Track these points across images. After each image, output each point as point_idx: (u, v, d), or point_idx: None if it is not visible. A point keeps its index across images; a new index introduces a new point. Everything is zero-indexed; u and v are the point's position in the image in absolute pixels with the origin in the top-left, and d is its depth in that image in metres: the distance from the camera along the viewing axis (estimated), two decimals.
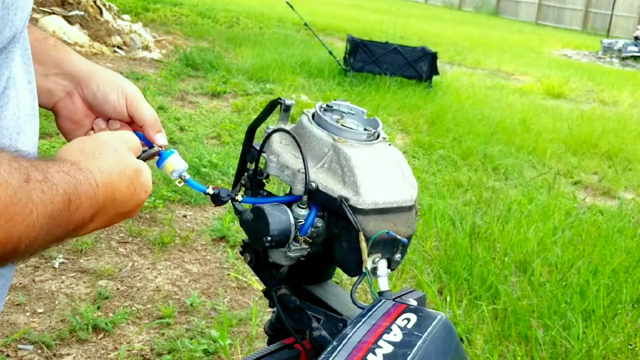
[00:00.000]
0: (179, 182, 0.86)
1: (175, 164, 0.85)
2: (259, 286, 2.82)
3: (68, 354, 2.25)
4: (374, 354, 0.71)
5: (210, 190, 0.88)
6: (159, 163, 0.86)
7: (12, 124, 0.70)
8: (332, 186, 0.88)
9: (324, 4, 20.09)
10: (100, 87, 0.87)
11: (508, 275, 3.16)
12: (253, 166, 0.98)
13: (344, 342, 0.73)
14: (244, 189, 1.01)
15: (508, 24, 25.75)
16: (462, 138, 5.90)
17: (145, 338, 2.42)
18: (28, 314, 2.46)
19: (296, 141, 0.90)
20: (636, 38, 17.87)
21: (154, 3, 12.07)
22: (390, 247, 0.89)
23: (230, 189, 0.98)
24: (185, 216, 3.52)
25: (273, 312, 1.05)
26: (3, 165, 0.57)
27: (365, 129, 0.95)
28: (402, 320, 0.78)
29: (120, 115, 0.88)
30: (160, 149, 0.86)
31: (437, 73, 8.20)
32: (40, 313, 2.47)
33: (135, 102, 0.87)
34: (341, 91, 7.23)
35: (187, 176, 0.86)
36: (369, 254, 0.87)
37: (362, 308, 0.83)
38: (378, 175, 0.89)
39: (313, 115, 0.96)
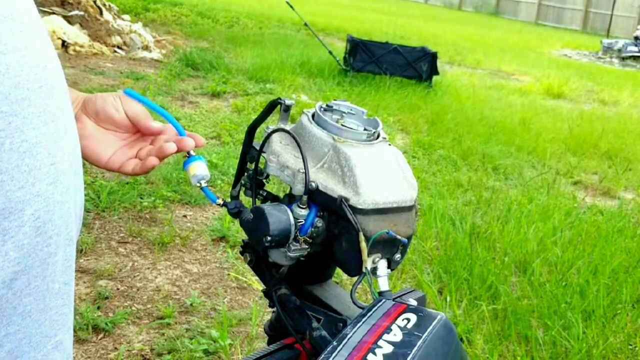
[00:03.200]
0: (196, 187, 0.95)
1: (199, 169, 0.94)
2: (259, 286, 2.82)
3: None
4: (374, 354, 0.71)
5: (220, 201, 0.95)
6: (185, 163, 0.94)
7: None
8: (332, 186, 0.88)
9: (324, 4, 20.09)
10: (99, 98, 0.95)
11: (508, 275, 3.16)
12: (253, 166, 0.98)
13: (344, 342, 0.73)
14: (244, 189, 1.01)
15: (508, 24, 25.75)
16: (462, 138, 5.90)
17: (145, 338, 2.42)
18: None
19: (296, 141, 0.90)
20: (636, 38, 17.88)
21: (154, 3, 12.07)
22: (390, 247, 0.89)
23: (231, 188, 0.99)
24: (185, 216, 3.52)
25: (273, 312, 1.05)
26: None
27: (365, 129, 0.95)
28: (402, 320, 0.77)
29: (121, 115, 0.95)
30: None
31: (437, 73, 8.20)
32: None
33: (125, 101, 0.95)
34: (341, 91, 7.22)
35: (204, 184, 0.94)
36: (369, 254, 0.86)
37: (362, 308, 0.83)
38: (378, 175, 0.89)
39: (313, 115, 0.95)
